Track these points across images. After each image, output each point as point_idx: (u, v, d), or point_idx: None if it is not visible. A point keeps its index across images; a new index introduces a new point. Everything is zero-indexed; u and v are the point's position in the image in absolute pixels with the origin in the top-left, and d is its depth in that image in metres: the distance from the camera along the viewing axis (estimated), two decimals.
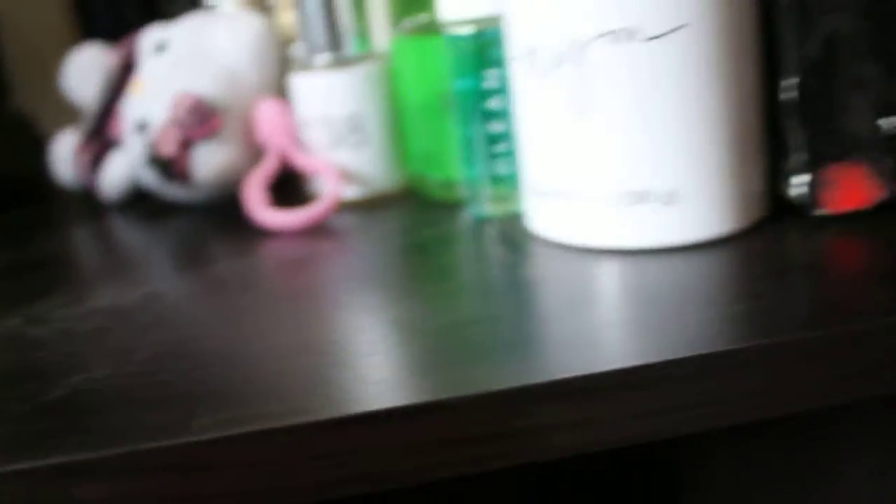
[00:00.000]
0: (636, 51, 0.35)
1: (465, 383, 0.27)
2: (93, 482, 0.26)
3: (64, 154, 0.60)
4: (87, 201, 0.59)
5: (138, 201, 0.57)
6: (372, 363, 0.30)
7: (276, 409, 0.27)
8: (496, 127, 0.44)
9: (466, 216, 0.46)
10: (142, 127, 0.53)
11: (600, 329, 0.30)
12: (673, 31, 0.35)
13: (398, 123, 0.51)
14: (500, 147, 0.44)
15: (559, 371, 0.27)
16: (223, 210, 0.53)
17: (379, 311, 0.35)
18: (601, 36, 0.36)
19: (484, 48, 0.43)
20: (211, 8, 0.60)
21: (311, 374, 0.29)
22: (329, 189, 0.48)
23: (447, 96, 0.47)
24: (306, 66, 0.51)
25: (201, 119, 0.51)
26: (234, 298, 0.39)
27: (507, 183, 0.44)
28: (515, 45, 0.39)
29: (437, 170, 0.50)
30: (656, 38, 0.35)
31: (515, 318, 0.33)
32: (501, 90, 0.44)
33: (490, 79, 0.44)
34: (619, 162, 0.37)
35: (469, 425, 0.27)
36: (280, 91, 0.55)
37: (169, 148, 0.51)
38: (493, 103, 0.44)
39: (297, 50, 0.57)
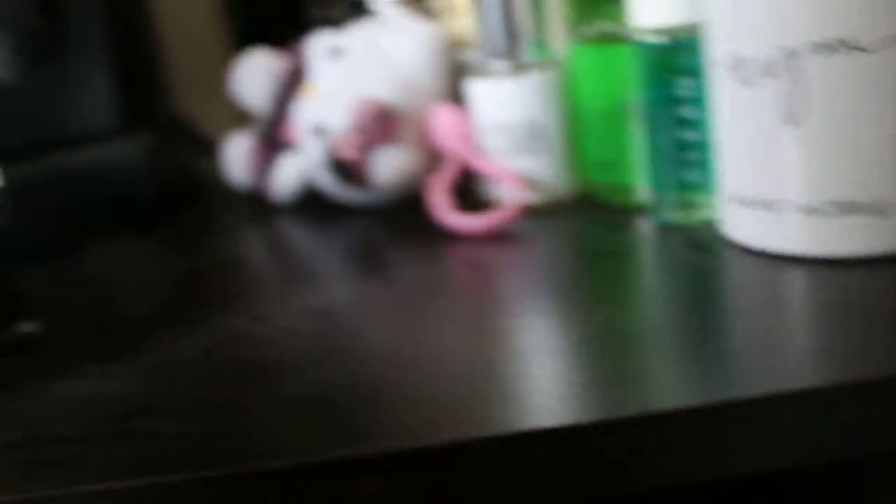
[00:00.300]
0: (851, 61, 0.35)
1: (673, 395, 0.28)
2: (374, 477, 0.27)
3: (236, 156, 0.62)
4: (256, 203, 0.61)
5: (307, 203, 0.59)
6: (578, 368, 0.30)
7: (515, 413, 0.28)
8: (687, 135, 0.44)
9: (646, 223, 0.47)
10: (319, 131, 0.55)
11: (805, 339, 0.31)
12: (891, 40, 0.35)
13: (574, 129, 0.52)
14: (691, 155, 0.45)
15: (766, 384, 0.28)
16: (392, 213, 0.55)
17: (575, 318, 0.36)
18: (814, 45, 0.36)
19: (676, 56, 0.44)
20: (378, 15, 0.61)
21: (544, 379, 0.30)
22: (513, 195, 0.49)
23: (633, 104, 0.47)
24: (484, 72, 0.52)
25: (383, 125, 0.52)
26: (429, 303, 0.40)
27: (694, 191, 0.45)
28: (718, 54, 0.40)
29: (615, 176, 0.50)
30: (872, 48, 0.35)
31: (716, 328, 0.33)
32: (693, 99, 0.44)
33: (682, 87, 0.44)
34: (830, 172, 0.37)
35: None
36: (450, 96, 0.56)
37: (350, 152, 0.53)
38: (684, 111, 0.44)
39: (466, 55, 0.58)
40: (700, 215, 0.45)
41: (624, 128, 0.49)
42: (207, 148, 0.71)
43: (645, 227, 0.47)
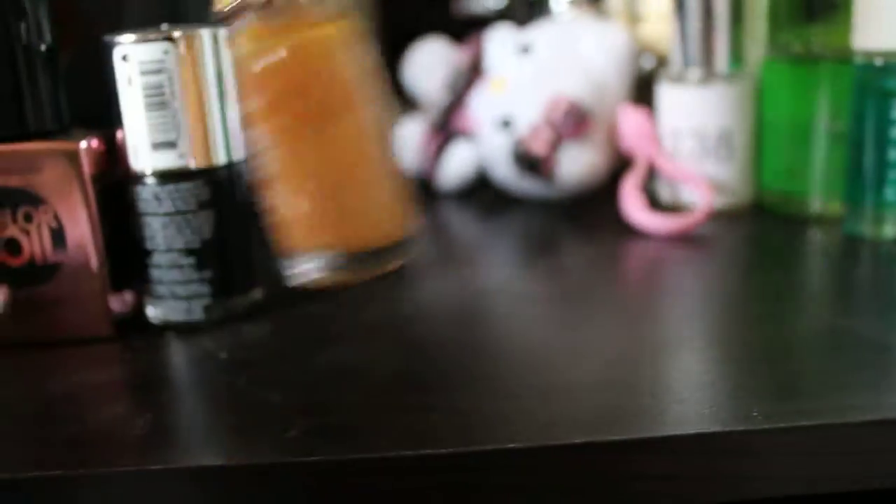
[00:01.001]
0: None
1: None
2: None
3: (406, 141, 0.63)
4: (421, 188, 0.63)
5: (473, 192, 0.61)
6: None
7: (808, 405, 0.29)
8: (893, 155, 0.46)
9: (823, 233, 0.49)
10: (506, 123, 0.56)
11: None
12: None
13: (759, 139, 0.53)
14: (893, 174, 0.46)
15: None
16: (562, 207, 0.56)
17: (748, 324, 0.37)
18: None
19: (889, 78, 0.45)
20: (560, 15, 0.63)
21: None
22: (704, 200, 0.50)
23: (824, 120, 0.50)
24: (679, 78, 0.53)
25: (575, 122, 0.54)
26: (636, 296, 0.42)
27: (890, 207, 0.46)
28: None
29: (793, 186, 0.52)
30: None
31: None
32: None
33: (892, 108, 0.45)
34: None
35: None
36: (633, 98, 0.58)
37: (540, 146, 0.54)
38: (894, 133, 0.45)
39: (647, 61, 0.59)
40: (891, 231, 0.47)
41: (807, 142, 0.50)
42: None
43: (824, 236, 0.49)
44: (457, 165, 0.60)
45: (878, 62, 0.45)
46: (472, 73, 0.61)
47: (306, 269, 0.36)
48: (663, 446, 0.28)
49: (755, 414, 0.28)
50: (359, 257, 0.35)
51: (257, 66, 0.33)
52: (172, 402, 0.32)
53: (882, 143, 0.46)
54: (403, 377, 0.33)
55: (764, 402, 0.29)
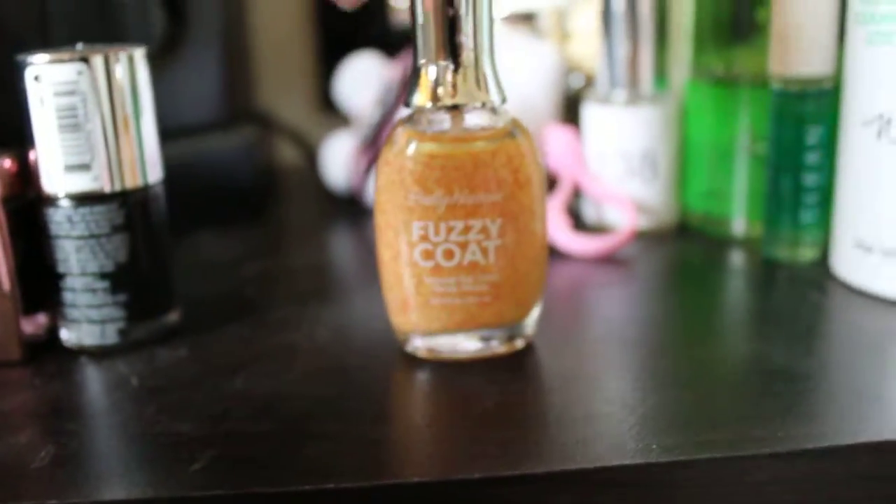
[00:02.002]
0: None
1: None
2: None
3: (335, 157, 0.63)
4: (351, 205, 0.63)
5: None
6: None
7: (708, 437, 0.30)
8: (809, 180, 0.47)
9: (743, 254, 0.50)
10: None
11: None
12: None
13: (682, 160, 0.54)
14: (809, 198, 0.47)
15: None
16: None
17: (672, 351, 0.38)
18: None
19: (806, 104, 0.46)
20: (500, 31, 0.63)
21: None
22: (628, 220, 0.51)
23: (745, 141, 0.51)
24: (604, 99, 0.54)
25: None
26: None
27: (806, 230, 0.47)
28: (859, 111, 0.42)
29: (715, 207, 0.53)
30: None
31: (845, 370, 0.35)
32: (819, 146, 0.46)
33: (809, 134, 0.46)
34: None
35: None
36: (562, 116, 0.58)
37: None
38: (810, 158, 0.46)
39: (574, 79, 0.60)
40: (807, 255, 0.47)
41: (730, 163, 0.51)
42: (297, 143, 0.73)
43: (749, 260, 0.49)
44: None
45: (793, 88, 0.46)
46: (404, 89, 0.61)
47: (455, 345, 0.37)
48: (566, 479, 0.28)
49: (654, 447, 0.28)
50: (513, 330, 0.37)
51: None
52: (79, 432, 0.32)
53: (798, 168, 0.47)
54: (317, 406, 0.33)
55: (667, 434, 0.30)
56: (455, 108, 0.35)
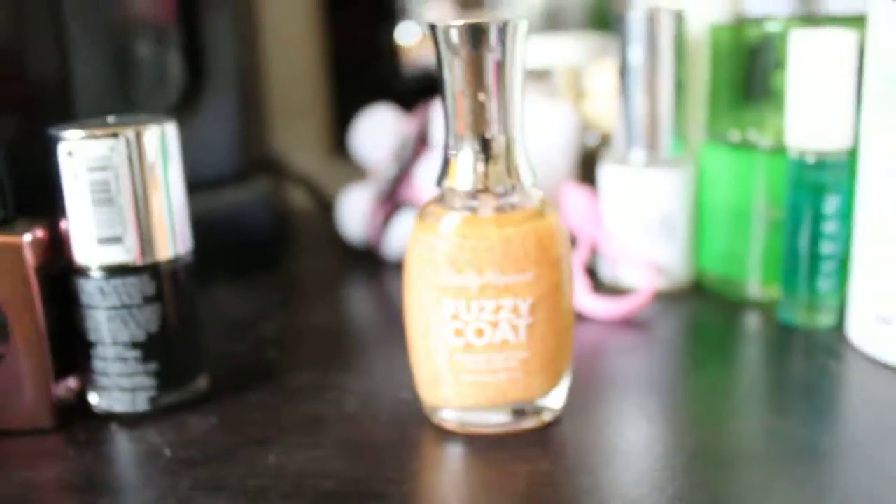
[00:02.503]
0: None
1: None
2: None
3: (353, 210, 0.64)
4: (368, 257, 0.63)
5: None
6: None
7: None
8: (826, 248, 0.47)
9: (758, 316, 0.50)
10: None
11: None
12: None
13: (700, 222, 0.55)
14: (826, 266, 0.48)
15: None
16: None
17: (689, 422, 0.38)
18: None
19: (825, 175, 0.47)
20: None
21: None
22: (648, 282, 0.51)
23: (761, 206, 0.51)
24: (622, 159, 0.54)
25: None
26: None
27: (822, 297, 0.48)
28: (875, 181, 0.43)
29: (731, 270, 0.53)
30: None
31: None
32: (837, 215, 0.47)
33: (827, 203, 0.47)
34: None
35: None
36: (577, 175, 0.59)
37: None
38: (827, 226, 0.47)
39: (592, 138, 0.60)
40: (824, 320, 0.48)
41: (746, 227, 0.52)
42: (311, 191, 0.73)
43: (761, 322, 0.50)
44: (403, 235, 0.61)
45: (810, 159, 0.46)
46: (419, 143, 0.62)
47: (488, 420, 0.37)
48: None
49: None
50: (542, 404, 0.38)
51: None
52: None
53: (816, 237, 0.47)
54: (349, 485, 0.33)
55: None
56: (485, 191, 0.35)
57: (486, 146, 0.34)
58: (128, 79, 0.56)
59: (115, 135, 0.37)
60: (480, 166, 0.35)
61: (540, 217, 0.35)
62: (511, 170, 0.35)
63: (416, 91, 0.72)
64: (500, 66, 0.34)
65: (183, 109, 0.58)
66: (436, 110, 0.61)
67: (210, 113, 0.60)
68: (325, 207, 0.72)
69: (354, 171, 0.71)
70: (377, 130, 0.65)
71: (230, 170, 0.62)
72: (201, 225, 0.57)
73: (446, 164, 0.35)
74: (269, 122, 0.77)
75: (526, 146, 0.36)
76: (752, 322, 0.50)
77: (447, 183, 0.35)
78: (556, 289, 0.36)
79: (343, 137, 0.72)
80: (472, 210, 0.35)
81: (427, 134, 0.62)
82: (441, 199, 0.36)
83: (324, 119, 0.82)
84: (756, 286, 0.52)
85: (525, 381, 0.36)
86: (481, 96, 0.34)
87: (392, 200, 0.62)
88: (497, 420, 0.37)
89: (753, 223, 0.52)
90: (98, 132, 0.37)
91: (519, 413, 0.37)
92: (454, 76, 0.34)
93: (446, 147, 0.35)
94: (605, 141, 0.61)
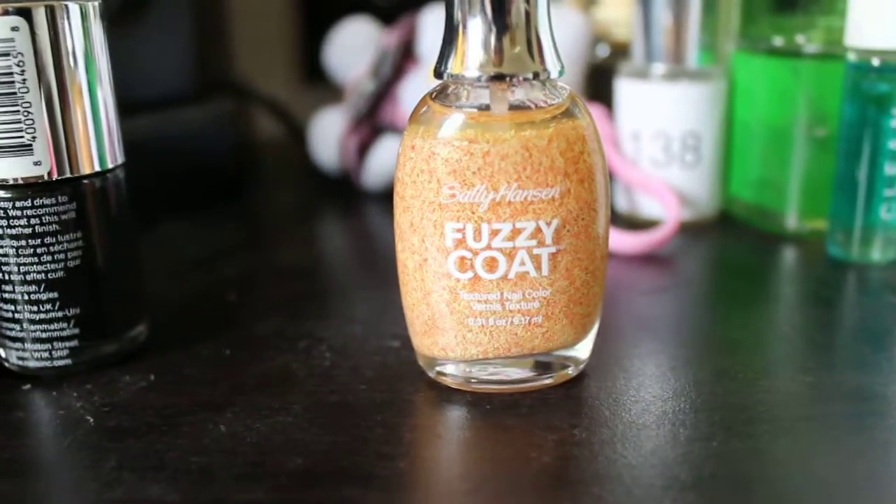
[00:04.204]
0: None
1: None
2: None
3: (326, 135, 0.55)
4: (344, 186, 0.55)
5: None
6: None
7: None
8: (890, 169, 0.40)
9: (810, 255, 0.43)
10: None
11: None
12: None
13: (731, 144, 0.47)
14: (890, 191, 0.40)
15: None
16: None
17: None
18: None
19: (889, 83, 0.39)
20: None
21: None
22: (671, 213, 0.44)
23: (813, 125, 0.44)
24: (641, 74, 0.46)
25: None
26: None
27: (883, 227, 0.40)
28: None
29: (767, 199, 0.45)
30: None
31: None
32: None
33: (892, 117, 0.39)
34: None
35: None
36: (585, 92, 0.51)
37: None
38: (893, 144, 0.39)
39: (601, 50, 0.52)
40: (883, 254, 0.41)
41: (786, 148, 0.44)
42: (279, 116, 0.65)
43: (805, 258, 0.43)
44: (384, 163, 0.53)
45: (875, 62, 0.39)
46: (403, 57, 0.54)
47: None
48: None
49: None
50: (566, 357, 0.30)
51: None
52: (19, 497, 0.24)
53: (876, 156, 0.40)
54: (322, 463, 0.25)
55: None
56: (500, 79, 0.27)
57: (502, 15, 0.26)
58: None
59: (20, 12, 0.28)
60: (493, 40, 0.26)
61: (569, 118, 0.27)
62: (533, 49, 0.27)
63: (399, 7, 0.63)
64: None
65: (126, 16, 0.49)
66: (424, 18, 0.52)
67: (158, 24, 0.51)
68: (296, 134, 0.63)
69: (330, 97, 0.62)
70: (354, 43, 0.57)
71: (184, 89, 0.53)
72: (151, 148, 0.49)
73: (449, 42, 0.27)
74: (232, 43, 0.68)
75: (550, 27, 0.27)
76: (793, 257, 0.43)
77: (450, 68, 0.27)
78: (588, 208, 0.28)
79: (315, 61, 0.64)
80: (483, 106, 0.27)
81: (413, 45, 0.53)
82: (441, 94, 0.28)
83: (294, 40, 0.73)
84: (795, 217, 0.45)
85: (547, 326, 0.28)
86: None
87: (371, 122, 0.54)
88: (511, 375, 0.29)
89: (794, 143, 0.44)
90: None
91: (538, 366, 0.29)
92: None
93: (450, 19, 0.27)
94: (617, 53, 0.53)
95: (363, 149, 0.54)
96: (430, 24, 0.52)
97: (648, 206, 0.47)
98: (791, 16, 0.44)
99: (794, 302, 0.39)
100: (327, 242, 0.50)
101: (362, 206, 0.53)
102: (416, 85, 0.51)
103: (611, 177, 0.48)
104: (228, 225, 0.50)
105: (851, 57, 0.40)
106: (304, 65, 0.72)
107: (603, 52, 0.54)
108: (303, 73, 0.72)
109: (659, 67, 0.46)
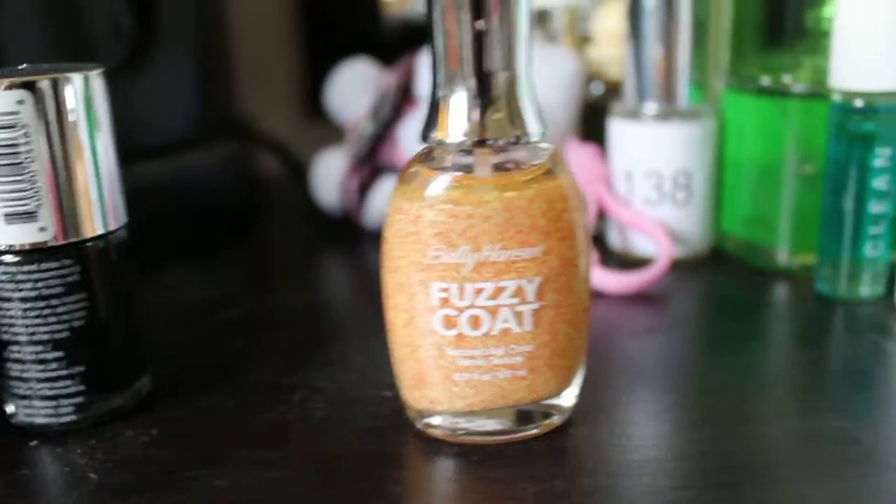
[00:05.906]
0: None
1: None
2: None
3: (327, 175, 0.57)
4: (346, 226, 0.56)
5: None
6: None
7: None
8: (876, 207, 0.41)
9: (799, 291, 0.44)
10: None
11: None
12: None
13: (722, 182, 0.49)
14: (875, 228, 0.41)
15: None
16: None
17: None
18: None
19: (874, 122, 0.40)
20: None
21: None
22: (663, 251, 0.44)
23: (792, 162, 0.45)
24: (633, 113, 0.47)
25: None
26: None
27: (868, 264, 0.41)
28: None
29: (757, 235, 0.46)
30: None
31: None
32: (889, 169, 0.40)
33: (877, 156, 0.40)
34: None
35: None
36: (579, 130, 0.52)
37: None
38: (877, 182, 0.40)
39: (595, 88, 0.53)
40: (869, 291, 0.42)
41: (775, 185, 0.45)
42: (282, 156, 0.66)
43: (794, 294, 0.44)
44: (384, 203, 0.54)
45: (858, 103, 0.39)
46: (402, 97, 0.55)
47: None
48: None
49: None
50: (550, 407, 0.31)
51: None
52: None
53: (862, 194, 0.40)
54: None
55: None
56: (483, 144, 0.28)
57: (484, 85, 0.27)
58: (66, 30, 0.48)
59: (25, 85, 0.29)
60: (477, 113, 0.27)
61: (550, 177, 0.28)
62: (515, 117, 0.28)
63: (399, 46, 0.64)
64: None
65: (133, 64, 0.51)
66: (422, 60, 0.54)
67: (163, 69, 0.53)
68: (298, 173, 0.65)
69: (330, 134, 0.63)
70: (354, 84, 0.58)
71: (189, 132, 0.54)
72: (157, 194, 0.50)
73: (434, 110, 0.28)
74: (234, 80, 0.69)
75: (533, 88, 0.28)
76: (784, 294, 0.44)
77: (435, 135, 0.28)
78: (569, 266, 0.29)
79: (317, 97, 0.65)
80: (467, 169, 0.28)
81: (411, 86, 0.54)
82: (427, 157, 0.29)
83: (296, 77, 0.74)
84: (786, 252, 0.45)
85: (530, 379, 0.29)
86: (479, 23, 0.27)
87: (371, 163, 0.55)
88: (496, 426, 0.30)
89: (784, 180, 0.45)
90: (4, 81, 0.29)
91: (523, 417, 0.30)
92: None
93: (434, 89, 0.28)
94: (611, 91, 0.54)
95: (363, 189, 0.55)
96: (428, 66, 0.53)
97: (642, 244, 0.48)
98: (778, 54, 0.45)
99: (782, 342, 0.40)
100: (328, 284, 0.51)
101: (363, 246, 0.54)
102: (415, 126, 0.52)
103: (603, 216, 0.49)
104: (231, 268, 0.51)
105: (836, 98, 0.41)
106: (307, 100, 0.74)
107: (597, 90, 0.55)
108: (306, 109, 0.74)
109: (650, 107, 0.47)
